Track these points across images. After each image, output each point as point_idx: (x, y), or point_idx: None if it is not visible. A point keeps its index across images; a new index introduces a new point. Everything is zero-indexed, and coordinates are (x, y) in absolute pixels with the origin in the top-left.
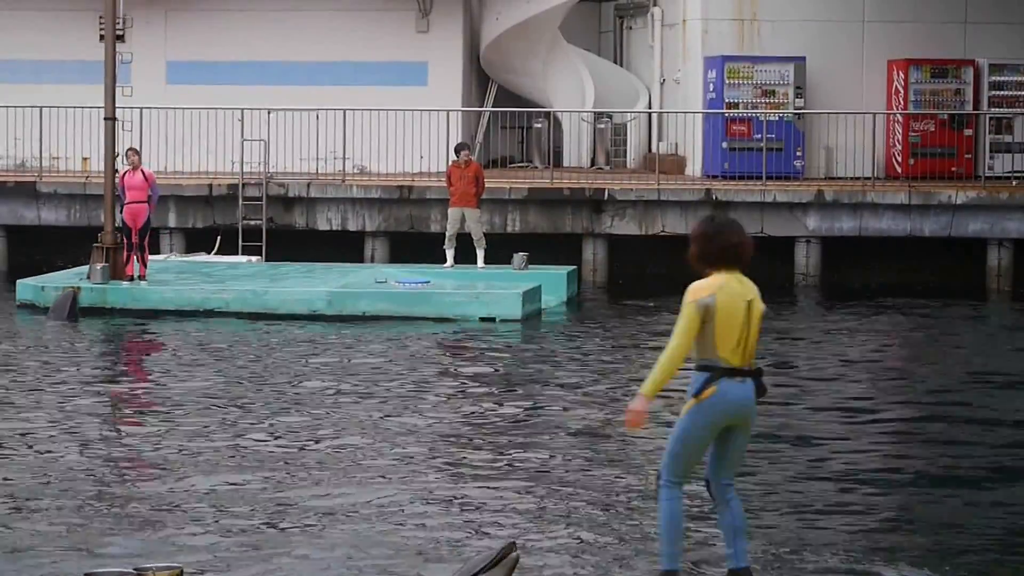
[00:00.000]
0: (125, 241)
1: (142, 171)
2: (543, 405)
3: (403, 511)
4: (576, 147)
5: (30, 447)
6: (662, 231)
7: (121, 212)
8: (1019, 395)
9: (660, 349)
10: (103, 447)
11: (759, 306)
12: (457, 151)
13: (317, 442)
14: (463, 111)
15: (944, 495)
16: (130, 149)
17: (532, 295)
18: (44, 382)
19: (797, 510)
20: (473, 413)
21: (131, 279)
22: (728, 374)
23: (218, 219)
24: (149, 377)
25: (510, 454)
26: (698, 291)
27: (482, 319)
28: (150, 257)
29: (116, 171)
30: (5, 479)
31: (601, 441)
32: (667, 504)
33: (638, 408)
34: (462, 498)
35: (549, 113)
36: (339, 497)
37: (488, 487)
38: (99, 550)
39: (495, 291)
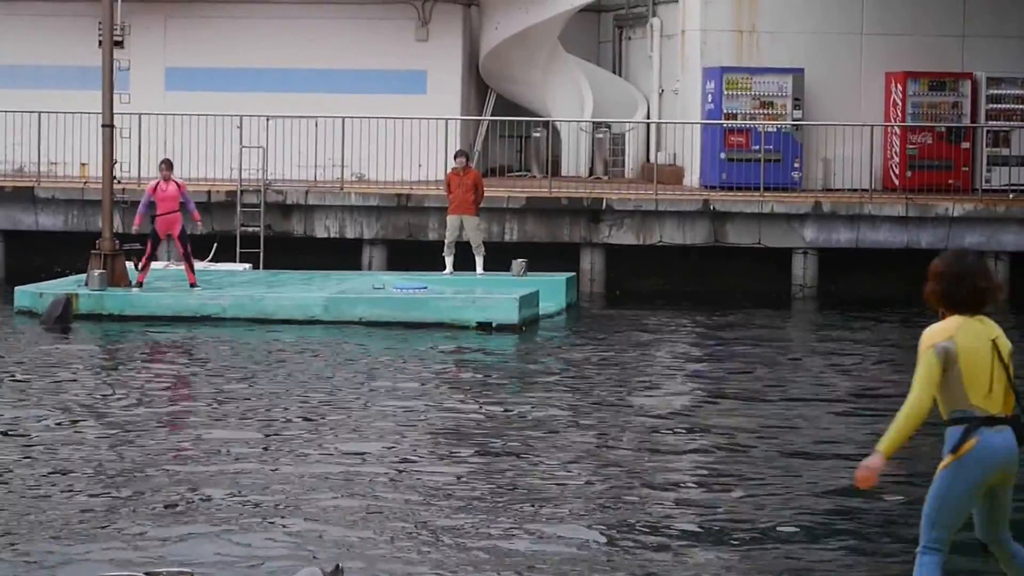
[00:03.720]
0: (148, 250)
1: (174, 182)
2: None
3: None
4: (574, 156)
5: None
6: (659, 241)
7: (152, 223)
8: None
9: (651, 356)
10: (101, 451)
11: (1006, 344)
12: (456, 158)
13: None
14: (462, 120)
15: None
16: (164, 161)
17: (529, 301)
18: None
19: (803, 527)
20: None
21: (139, 286)
22: (987, 423)
23: (216, 226)
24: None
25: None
26: (935, 335)
27: (479, 324)
28: (146, 264)
29: (115, 178)
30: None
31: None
32: (921, 572)
33: (873, 465)
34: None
35: (548, 122)
36: (338, 507)
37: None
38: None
39: (491, 296)
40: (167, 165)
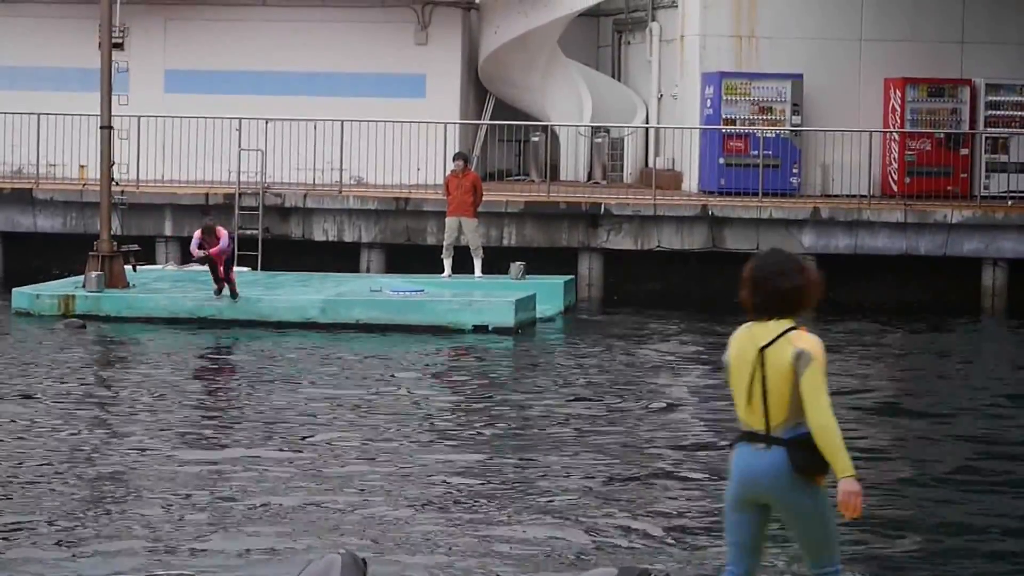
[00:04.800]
0: (220, 272)
1: (221, 236)
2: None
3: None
4: (573, 161)
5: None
6: (658, 246)
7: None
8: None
9: (648, 360)
10: (98, 451)
11: (780, 355)
12: (455, 160)
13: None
14: (461, 124)
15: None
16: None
17: (526, 304)
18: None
19: None
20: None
21: (233, 296)
22: (747, 439)
23: None
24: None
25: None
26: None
27: (475, 327)
28: (147, 266)
29: (113, 179)
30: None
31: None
32: None
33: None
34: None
35: (546, 127)
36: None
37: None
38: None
39: (488, 299)
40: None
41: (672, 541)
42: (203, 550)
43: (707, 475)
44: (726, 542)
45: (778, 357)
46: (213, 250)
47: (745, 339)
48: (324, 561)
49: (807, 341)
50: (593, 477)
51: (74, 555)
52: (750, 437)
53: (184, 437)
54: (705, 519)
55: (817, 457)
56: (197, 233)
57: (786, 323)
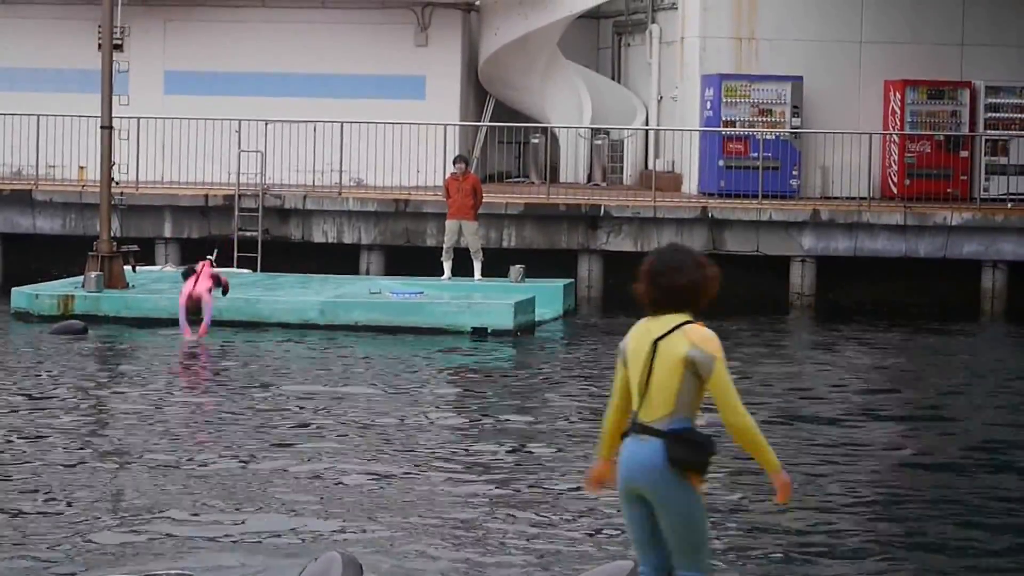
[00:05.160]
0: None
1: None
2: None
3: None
4: (573, 163)
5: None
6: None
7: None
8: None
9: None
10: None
11: (673, 349)
12: (455, 163)
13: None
14: (460, 125)
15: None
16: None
17: (525, 306)
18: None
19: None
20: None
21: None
22: (635, 430)
23: (214, 230)
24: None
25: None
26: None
27: (474, 330)
28: (146, 267)
29: (113, 180)
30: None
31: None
32: None
33: (592, 471)
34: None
35: (546, 129)
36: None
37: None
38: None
39: (487, 302)
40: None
41: None
42: (203, 550)
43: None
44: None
45: (670, 350)
46: (193, 290)
47: (642, 332)
48: (324, 559)
49: (704, 338)
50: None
51: (73, 555)
52: (636, 428)
53: (184, 437)
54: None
55: (694, 455)
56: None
57: (681, 317)
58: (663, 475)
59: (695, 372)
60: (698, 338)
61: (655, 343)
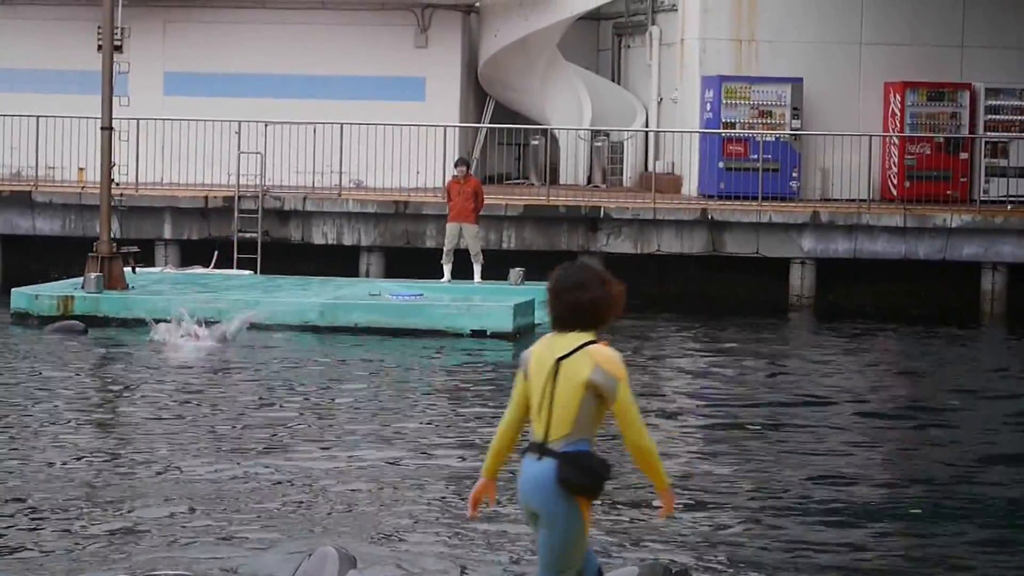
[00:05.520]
0: None
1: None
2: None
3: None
4: (573, 165)
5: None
6: (657, 250)
7: None
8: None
9: (645, 363)
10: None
11: (576, 369)
12: (457, 166)
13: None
14: (460, 127)
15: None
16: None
17: (524, 309)
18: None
19: (784, 543)
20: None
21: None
22: (531, 449)
23: (213, 231)
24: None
25: None
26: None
27: (473, 332)
28: (146, 269)
29: (112, 181)
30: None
31: None
32: None
33: (474, 490)
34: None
35: (546, 130)
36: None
37: None
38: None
39: (486, 304)
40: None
41: (681, 537)
42: (200, 548)
43: (708, 476)
44: None
45: (572, 372)
46: None
47: (544, 349)
48: (318, 554)
49: (608, 360)
50: None
51: (71, 555)
52: (532, 447)
53: (181, 439)
54: (716, 514)
55: (586, 479)
56: None
57: (585, 336)
58: (553, 494)
59: (597, 394)
60: (602, 359)
61: (558, 362)
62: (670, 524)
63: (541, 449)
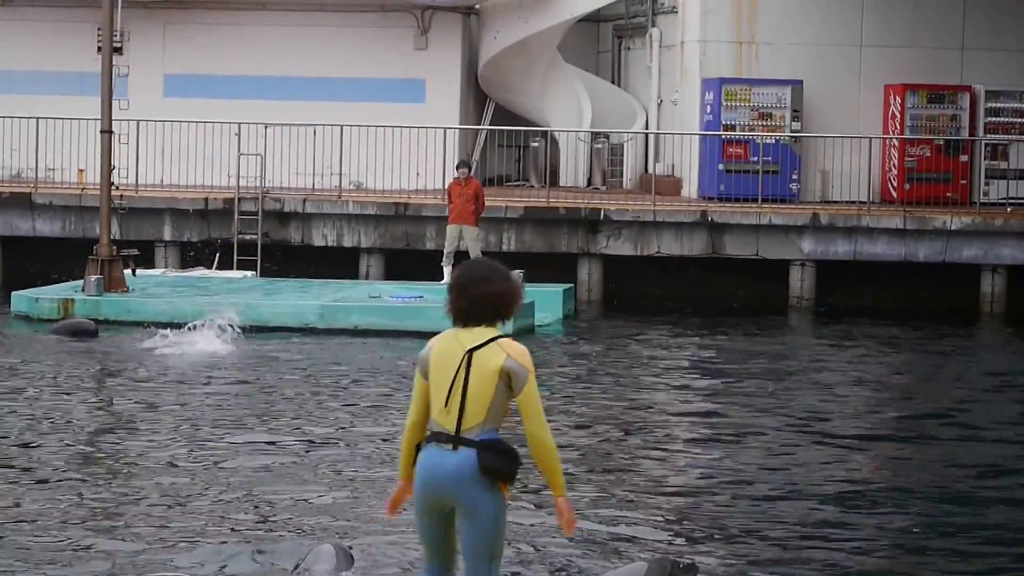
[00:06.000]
0: None
1: None
2: None
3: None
4: (573, 167)
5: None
6: (657, 252)
7: None
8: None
9: (646, 365)
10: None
11: (489, 361)
12: (458, 168)
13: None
14: (460, 129)
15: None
16: None
17: (524, 310)
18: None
19: (777, 537)
20: None
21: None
22: (437, 439)
23: (213, 233)
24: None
25: None
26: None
27: None
28: (146, 271)
29: (112, 184)
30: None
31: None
32: None
33: (393, 493)
34: None
35: (546, 132)
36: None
37: None
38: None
39: None
40: None
41: (693, 533)
42: (198, 547)
43: (710, 473)
44: (420, 540)
45: (486, 361)
46: None
47: (450, 342)
48: (316, 551)
49: (520, 353)
50: (587, 480)
51: (69, 555)
52: (441, 438)
53: (179, 440)
54: (725, 512)
55: (506, 464)
56: None
57: (492, 331)
58: (476, 484)
59: (508, 383)
60: (515, 352)
61: (470, 353)
62: (678, 521)
63: (454, 439)
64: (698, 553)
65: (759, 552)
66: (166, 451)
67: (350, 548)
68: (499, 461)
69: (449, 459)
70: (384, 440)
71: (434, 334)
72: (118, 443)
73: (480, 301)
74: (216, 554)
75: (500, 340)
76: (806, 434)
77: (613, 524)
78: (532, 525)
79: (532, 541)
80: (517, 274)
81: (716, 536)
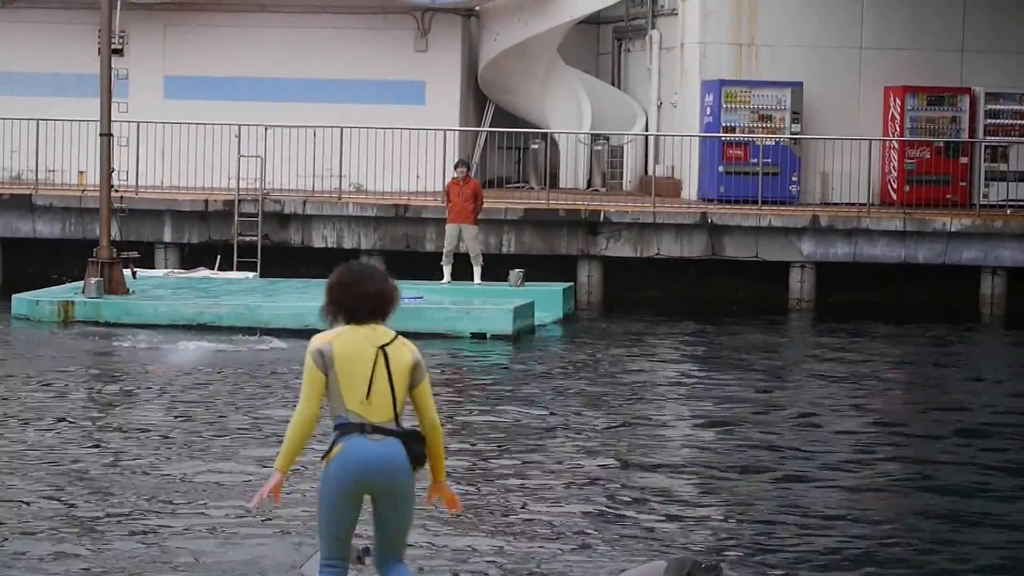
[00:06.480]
0: None
1: None
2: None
3: None
4: (572, 169)
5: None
6: (657, 254)
7: None
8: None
9: (644, 366)
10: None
11: (402, 356)
12: (456, 168)
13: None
14: (460, 131)
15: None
16: None
17: (524, 311)
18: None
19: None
20: None
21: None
22: (361, 430)
23: (213, 235)
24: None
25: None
26: (316, 340)
27: (473, 335)
28: (148, 272)
29: (112, 186)
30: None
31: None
32: None
33: (272, 484)
34: None
35: (546, 134)
36: None
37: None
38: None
39: (486, 307)
40: None
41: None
42: (199, 547)
43: (712, 473)
44: (326, 535)
45: (400, 356)
46: None
47: (355, 339)
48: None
49: (415, 350)
50: (586, 482)
51: (67, 554)
52: (366, 429)
53: (179, 441)
54: (739, 511)
55: (424, 451)
56: None
57: (389, 330)
58: (405, 471)
59: (413, 377)
60: (413, 347)
61: (383, 349)
62: (701, 525)
63: (377, 429)
64: (718, 553)
65: (782, 555)
66: (168, 452)
67: (366, 548)
68: (421, 449)
69: (379, 449)
70: None
71: (434, 334)
72: (118, 441)
73: (364, 297)
74: (223, 550)
75: (400, 338)
76: (806, 433)
77: (622, 521)
78: (549, 522)
79: (549, 537)
80: (516, 273)
81: (734, 538)
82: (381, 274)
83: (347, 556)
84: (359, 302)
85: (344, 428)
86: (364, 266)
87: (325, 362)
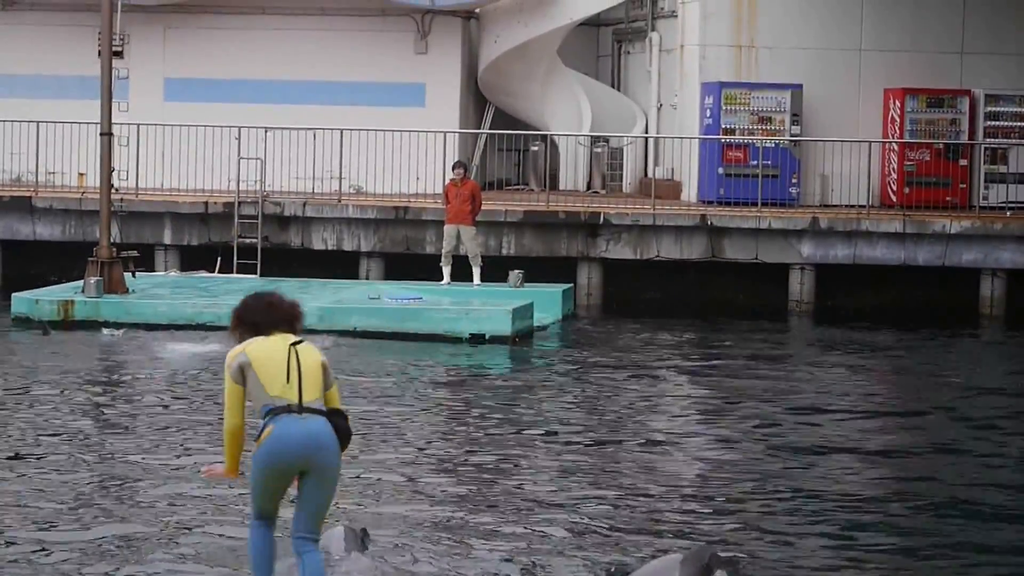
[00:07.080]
0: None
1: None
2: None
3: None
4: (572, 171)
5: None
6: (657, 256)
7: None
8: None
9: (646, 369)
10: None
11: (312, 353)
12: (454, 169)
13: None
14: (460, 133)
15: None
16: None
17: (523, 312)
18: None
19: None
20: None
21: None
22: (288, 411)
23: (213, 237)
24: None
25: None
26: (230, 357)
27: (472, 336)
28: (146, 273)
29: (112, 186)
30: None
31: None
32: (250, 534)
33: (217, 471)
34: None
35: (546, 136)
36: None
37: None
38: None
39: (485, 308)
40: None
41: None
42: (200, 542)
43: (716, 474)
44: (258, 503)
45: (309, 352)
46: None
47: (268, 343)
48: (327, 534)
49: (322, 353)
50: (586, 483)
51: (66, 555)
52: (292, 409)
53: (176, 441)
54: (752, 505)
55: (348, 428)
56: None
57: (295, 336)
58: (334, 447)
59: (325, 378)
60: (320, 352)
61: (293, 347)
62: (712, 519)
63: (302, 409)
64: (731, 546)
65: (796, 547)
66: (172, 444)
67: (364, 530)
68: (345, 425)
69: (307, 425)
70: (384, 440)
71: (433, 335)
72: (118, 437)
73: (277, 309)
74: (224, 537)
75: (306, 343)
76: (800, 438)
77: (632, 519)
78: (568, 516)
79: (566, 530)
80: (516, 274)
81: (749, 530)
82: (285, 296)
83: (274, 518)
84: (265, 313)
85: (273, 411)
86: (266, 292)
87: (243, 370)
